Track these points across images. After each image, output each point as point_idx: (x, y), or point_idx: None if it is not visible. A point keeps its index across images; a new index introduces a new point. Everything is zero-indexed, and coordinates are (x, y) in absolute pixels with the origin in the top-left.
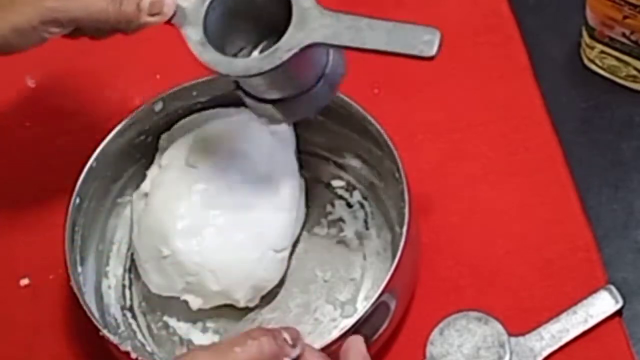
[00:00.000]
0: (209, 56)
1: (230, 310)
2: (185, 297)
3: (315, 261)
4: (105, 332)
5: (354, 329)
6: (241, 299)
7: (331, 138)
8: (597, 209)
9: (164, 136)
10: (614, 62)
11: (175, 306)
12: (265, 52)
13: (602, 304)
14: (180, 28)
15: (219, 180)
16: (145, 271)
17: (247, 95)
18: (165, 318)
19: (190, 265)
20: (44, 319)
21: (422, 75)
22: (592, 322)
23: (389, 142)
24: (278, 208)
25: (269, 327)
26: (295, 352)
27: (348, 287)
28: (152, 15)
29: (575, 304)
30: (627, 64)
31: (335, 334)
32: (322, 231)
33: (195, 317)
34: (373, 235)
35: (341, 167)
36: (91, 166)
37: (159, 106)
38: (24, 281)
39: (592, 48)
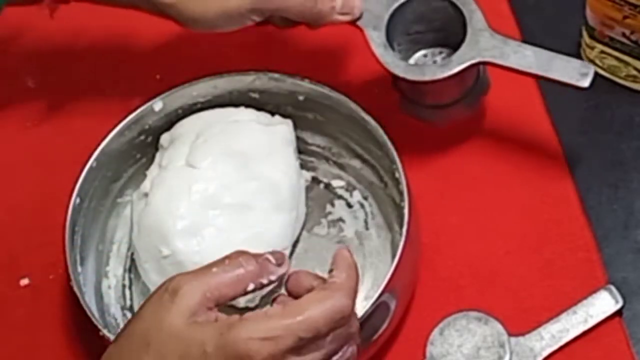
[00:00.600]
0: (389, 59)
1: (230, 310)
2: None
3: (315, 261)
4: (105, 332)
5: None
6: (241, 299)
7: (331, 138)
8: (597, 209)
9: (164, 136)
10: (614, 62)
11: None
12: (438, 63)
13: (602, 304)
14: (364, 29)
15: (219, 180)
16: (145, 271)
17: (404, 97)
18: None
19: (190, 265)
20: (44, 319)
21: None
22: (592, 322)
23: (389, 142)
24: (278, 208)
25: None
26: (280, 271)
27: None
28: (343, 14)
29: (575, 304)
30: (627, 64)
31: None
32: (322, 231)
33: None
34: (373, 235)
35: (341, 167)
36: (91, 166)
37: (159, 106)
38: (24, 281)
39: (592, 48)
